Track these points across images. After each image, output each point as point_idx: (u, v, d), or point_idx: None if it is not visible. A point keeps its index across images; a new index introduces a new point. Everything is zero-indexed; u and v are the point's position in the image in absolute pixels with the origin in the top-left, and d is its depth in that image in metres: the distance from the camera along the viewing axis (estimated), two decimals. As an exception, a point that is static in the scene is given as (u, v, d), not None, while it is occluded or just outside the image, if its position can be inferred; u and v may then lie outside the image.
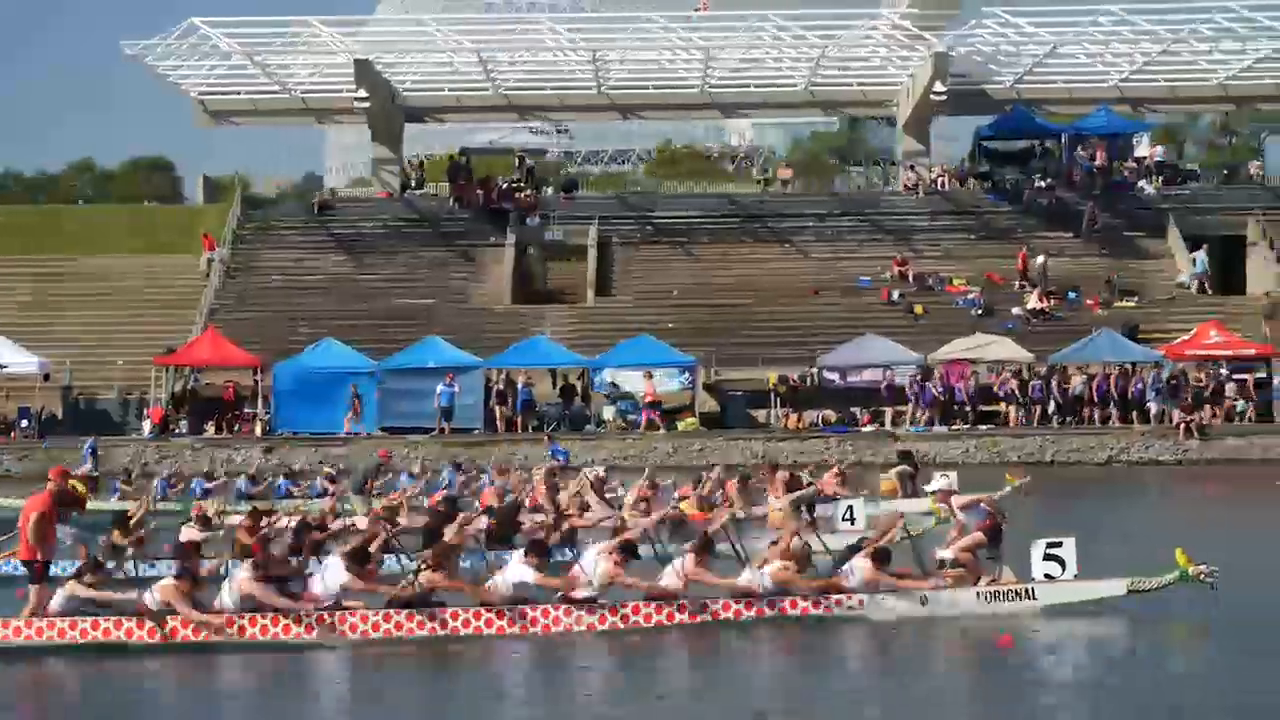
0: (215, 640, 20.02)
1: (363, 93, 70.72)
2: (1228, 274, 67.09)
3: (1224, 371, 56.64)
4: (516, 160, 73.93)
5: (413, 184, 73.73)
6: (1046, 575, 21.04)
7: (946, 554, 21.78)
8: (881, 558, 21.35)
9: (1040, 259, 65.71)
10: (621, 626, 20.52)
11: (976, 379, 57.07)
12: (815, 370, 58.06)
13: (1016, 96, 75.35)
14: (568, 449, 49.77)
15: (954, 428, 54.86)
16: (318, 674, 19.33)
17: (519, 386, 56.53)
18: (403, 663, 19.46)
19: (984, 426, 54.97)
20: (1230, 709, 16.31)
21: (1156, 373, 55.30)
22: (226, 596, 20.68)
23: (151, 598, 20.24)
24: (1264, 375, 56.66)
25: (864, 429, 55.46)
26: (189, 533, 27.62)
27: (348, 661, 19.61)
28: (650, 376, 57.02)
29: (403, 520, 28.06)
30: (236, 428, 56.55)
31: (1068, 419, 55.73)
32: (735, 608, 20.82)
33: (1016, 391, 56.17)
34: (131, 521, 27.16)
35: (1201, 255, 66.37)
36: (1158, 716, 16.08)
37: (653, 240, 70.06)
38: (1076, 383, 56.70)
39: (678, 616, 20.68)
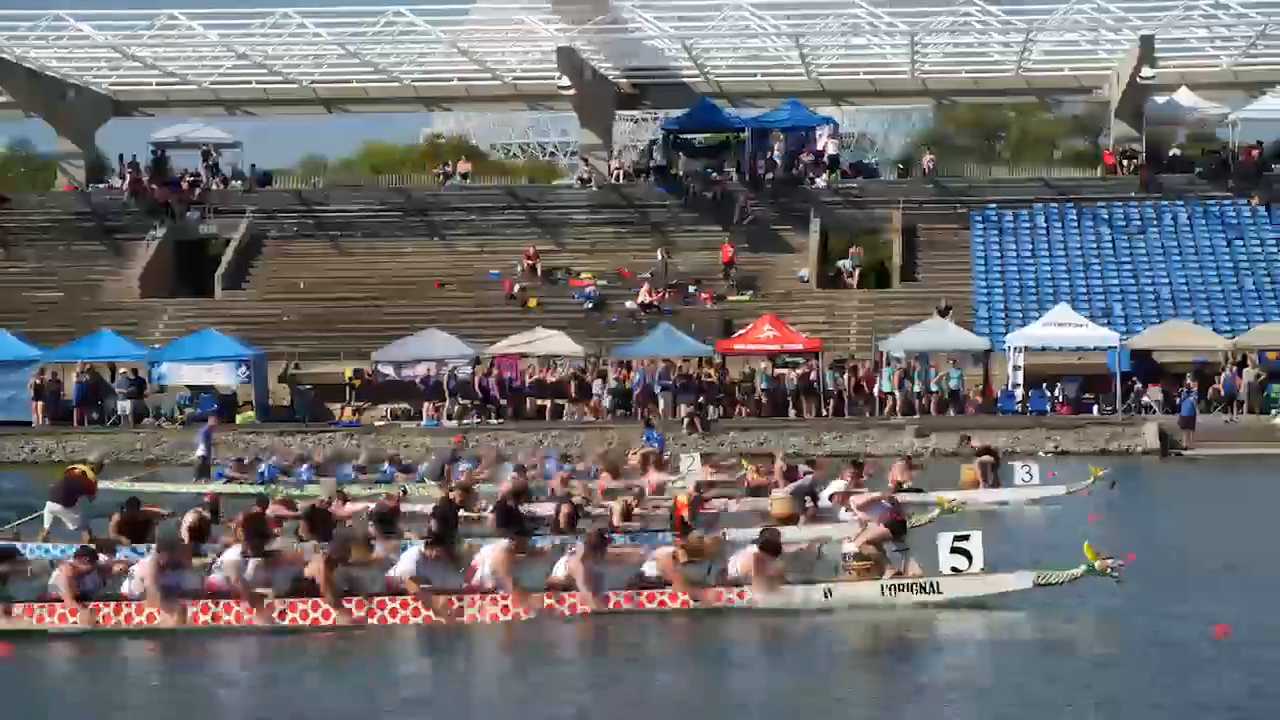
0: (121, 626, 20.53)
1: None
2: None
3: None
4: (202, 154, 74.69)
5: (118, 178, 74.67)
6: (953, 569, 20.91)
7: (850, 548, 21.89)
8: (769, 549, 21.33)
9: (661, 254, 65.71)
10: (523, 616, 20.57)
11: (531, 373, 57.31)
12: (373, 365, 58.46)
13: (717, 90, 75.33)
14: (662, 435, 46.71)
15: (481, 421, 55.10)
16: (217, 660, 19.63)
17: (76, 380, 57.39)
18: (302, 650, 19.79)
19: (496, 421, 55.19)
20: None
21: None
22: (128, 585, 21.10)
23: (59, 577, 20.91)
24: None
25: (383, 424, 55.87)
26: (193, 519, 27.17)
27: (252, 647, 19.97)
28: (210, 370, 57.79)
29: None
30: None
31: (619, 412, 55.88)
32: (615, 599, 20.84)
33: (573, 386, 56.41)
34: (144, 507, 27.64)
35: (852, 250, 66.42)
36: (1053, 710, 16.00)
37: (309, 234, 70.69)
38: (635, 378, 56.81)
39: (579, 607, 20.71)
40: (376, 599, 20.77)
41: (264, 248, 69.66)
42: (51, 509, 28.59)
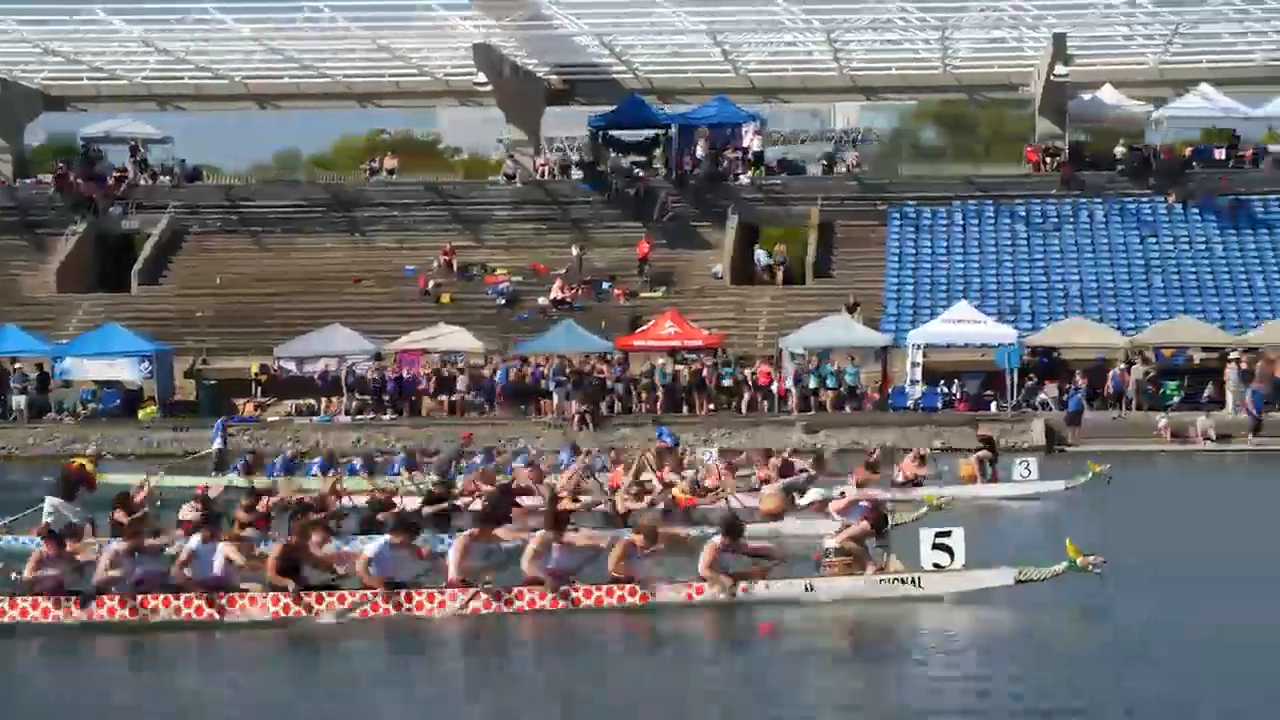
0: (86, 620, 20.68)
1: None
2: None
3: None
4: (129, 149, 74.82)
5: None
6: (935, 565, 20.92)
7: (832, 543, 21.95)
8: (732, 530, 21.43)
9: (575, 250, 65.83)
10: (484, 610, 20.59)
11: (429, 369, 57.46)
12: (275, 360, 58.65)
13: (648, 86, 75.40)
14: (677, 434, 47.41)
15: (358, 417, 55.26)
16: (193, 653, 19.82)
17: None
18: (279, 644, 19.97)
19: (389, 416, 55.38)
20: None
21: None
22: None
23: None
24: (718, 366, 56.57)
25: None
26: (187, 512, 27.22)
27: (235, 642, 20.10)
28: (112, 365, 58.01)
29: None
30: None
31: (523, 407, 56.02)
32: (575, 595, 20.79)
33: (468, 382, 56.54)
34: (136, 499, 27.86)
35: (777, 248, 66.54)
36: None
37: (231, 230, 70.85)
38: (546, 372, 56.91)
39: (541, 601, 20.70)
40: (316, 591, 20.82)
41: (185, 243, 69.79)
42: (51, 503, 28.42)
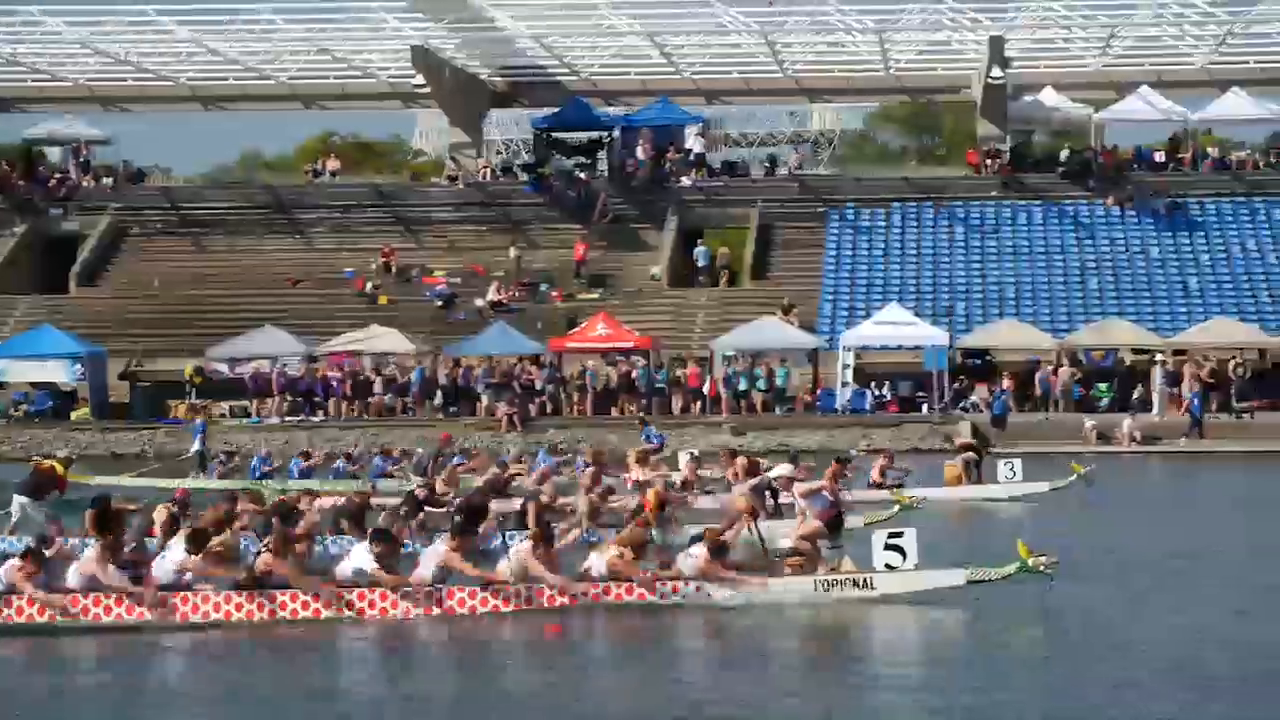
0: (55, 621, 20.50)
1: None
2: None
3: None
4: (71, 151, 74.65)
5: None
6: (887, 565, 20.89)
7: (785, 543, 21.93)
8: (717, 550, 21.20)
9: (513, 252, 65.89)
10: (454, 613, 20.53)
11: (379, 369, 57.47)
12: (208, 362, 58.55)
13: (592, 88, 75.48)
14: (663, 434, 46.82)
15: (302, 419, 55.24)
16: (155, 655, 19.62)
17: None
18: (235, 646, 19.81)
19: (316, 417, 55.37)
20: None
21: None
22: (72, 577, 21.12)
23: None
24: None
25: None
26: (161, 513, 26.79)
27: (186, 643, 19.96)
28: (44, 367, 57.90)
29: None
30: None
31: (451, 409, 55.99)
32: (560, 599, 20.73)
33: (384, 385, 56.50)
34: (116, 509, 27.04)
35: (721, 251, 66.65)
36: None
37: (172, 232, 70.78)
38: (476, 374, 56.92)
39: (506, 606, 20.64)
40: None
41: (124, 245, 69.69)
42: (19, 502, 28.47)
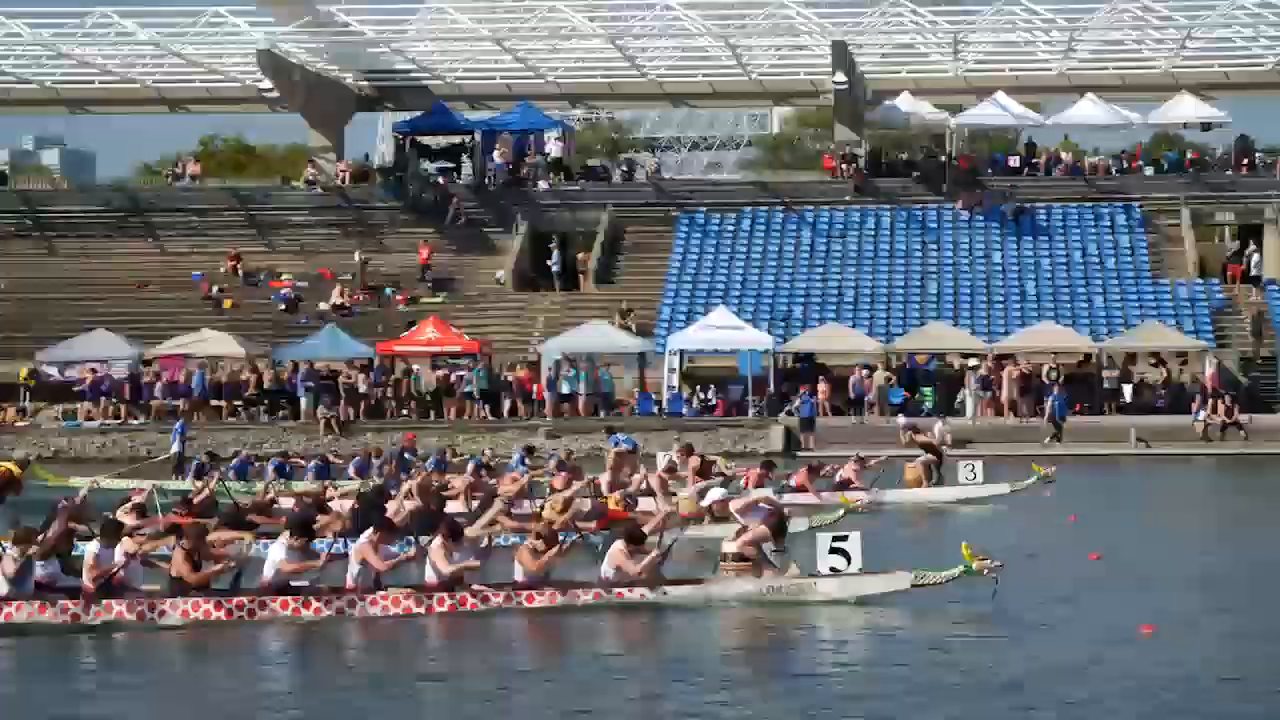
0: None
1: None
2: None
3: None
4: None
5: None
6: (831, 569, 20.76)
7: (730, 547, 21.70)
8: (634, 538, 21.13)
9: (358, 255, 65.98)
10: (370, 613, 20.15)
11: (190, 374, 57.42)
12: (38, 365, 58.49)
13: (457, 92, 75.61)
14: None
15: (122, 422, 55.23)
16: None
17: None
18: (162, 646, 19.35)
19: (137, 421, 55.37)
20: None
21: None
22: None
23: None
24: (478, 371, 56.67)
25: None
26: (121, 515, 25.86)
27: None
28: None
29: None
30: None
31: (280, 414, 56.05)
32: (472, 601, 20.43)
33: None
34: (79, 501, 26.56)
35: (581, 256, 66.85)
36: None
37: (25, 235, 70.66)
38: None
39: (438, 606, 20.32)
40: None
41: (-28, 248, 69.62)
42: None
